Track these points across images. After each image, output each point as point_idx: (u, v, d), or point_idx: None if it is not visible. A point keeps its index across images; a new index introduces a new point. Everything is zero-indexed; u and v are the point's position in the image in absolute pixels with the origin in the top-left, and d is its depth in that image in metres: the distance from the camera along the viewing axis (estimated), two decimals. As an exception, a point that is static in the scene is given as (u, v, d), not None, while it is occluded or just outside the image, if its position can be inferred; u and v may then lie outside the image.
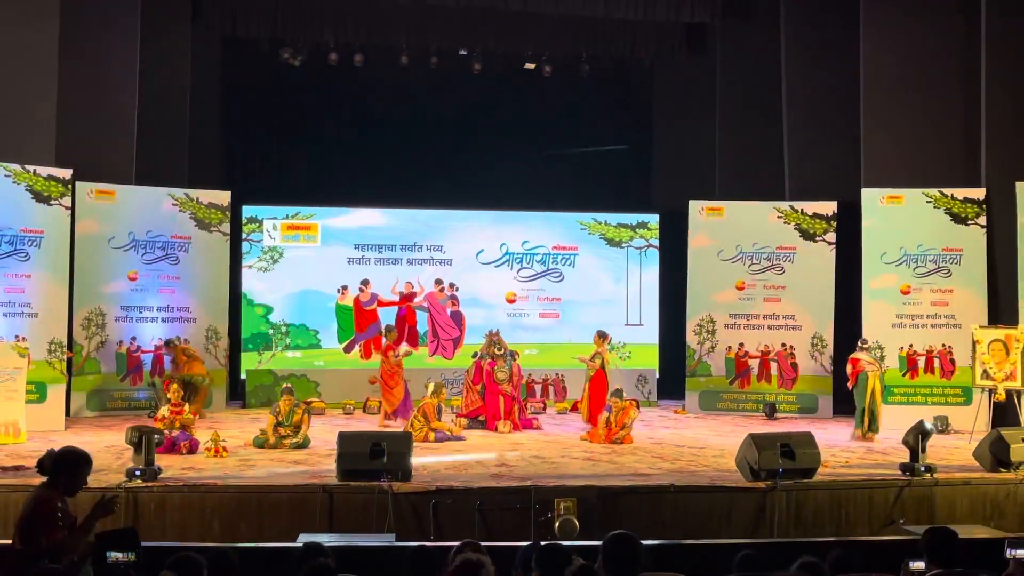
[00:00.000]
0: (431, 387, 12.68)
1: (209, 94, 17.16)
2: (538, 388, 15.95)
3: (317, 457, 10.63)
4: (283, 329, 16.31)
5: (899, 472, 9.78)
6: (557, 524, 8.63)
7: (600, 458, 10.91)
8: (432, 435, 12.07)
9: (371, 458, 8.98)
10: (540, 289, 16.99)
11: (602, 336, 14.23)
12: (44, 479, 5.81)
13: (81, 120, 14.10)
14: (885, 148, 14.55)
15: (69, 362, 13.36)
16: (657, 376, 16.89)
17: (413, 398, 13.48)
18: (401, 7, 16.41)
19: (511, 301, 16.88)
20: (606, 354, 14.04)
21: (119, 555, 5.52)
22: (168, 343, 14.15)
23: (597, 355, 13.92)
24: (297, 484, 9.00)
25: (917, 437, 9.78)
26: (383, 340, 14.38)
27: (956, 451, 11.58)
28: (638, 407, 15.53)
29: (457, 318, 16.56)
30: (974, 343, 12.84)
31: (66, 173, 13.18)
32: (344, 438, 9.25)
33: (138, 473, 8.80)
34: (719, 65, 17.22)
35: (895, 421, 13.27)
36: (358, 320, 16.45)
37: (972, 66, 14.01)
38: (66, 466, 5.77)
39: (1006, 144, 13.67)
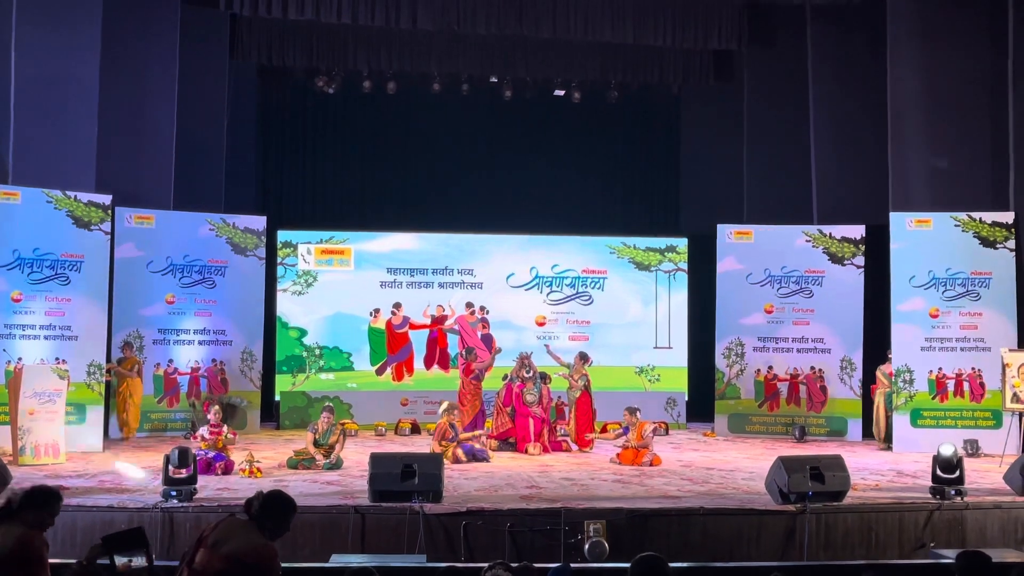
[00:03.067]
0: (444, 406, 12.82)
1: (245, 122, 17.52)
2: (567, 410, 16.01)
3: (350, 478, 10.79)
4: (316, 351, 16.55)
5: (929, 496, 9.79)
6: (587, 546, 8.72)
7: (630, 480, 10.99)
8: (460, 452, 12.21)
9: (403, 479, 9.12)
10: (570, 312, 17.12)
11: (583, 358, 14.35)
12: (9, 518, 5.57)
13: (121, 147, 14.46)
14: (913, 172, 14.59)
15: (107, 385, 13.64)
16: (686, 399, 16.96)
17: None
18: (433, 36, 16.67)
19: (541, 324, 17.03)
20: (588, 376, 14.13)
21: (127, 560, 5.27)
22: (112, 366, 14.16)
23: (581, 376, 14.01)
24: (330, 505, 9.14)
25: (947, 463, 9.79)
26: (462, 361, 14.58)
27: (987, 474, 11.57)
28: (667, 430, 15.75)
29: (487, 341, 16.69)
30: (1004, 366, 12.82)
31: (106, 199, 13.48)
32: (376, 459, 9.40)
33: (174, 493, 8.98)
34: (746, 90, 17.34)
35: (925, 444, 13.36)
36: (390, 343, 16.66)
37: (999, 89, 14.04)
38: (40, 501, 5.66)
39: (1035, 167, 13.70)
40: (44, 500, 5.70)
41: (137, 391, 14.16)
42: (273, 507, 5.52)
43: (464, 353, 14.74)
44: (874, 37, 15.10)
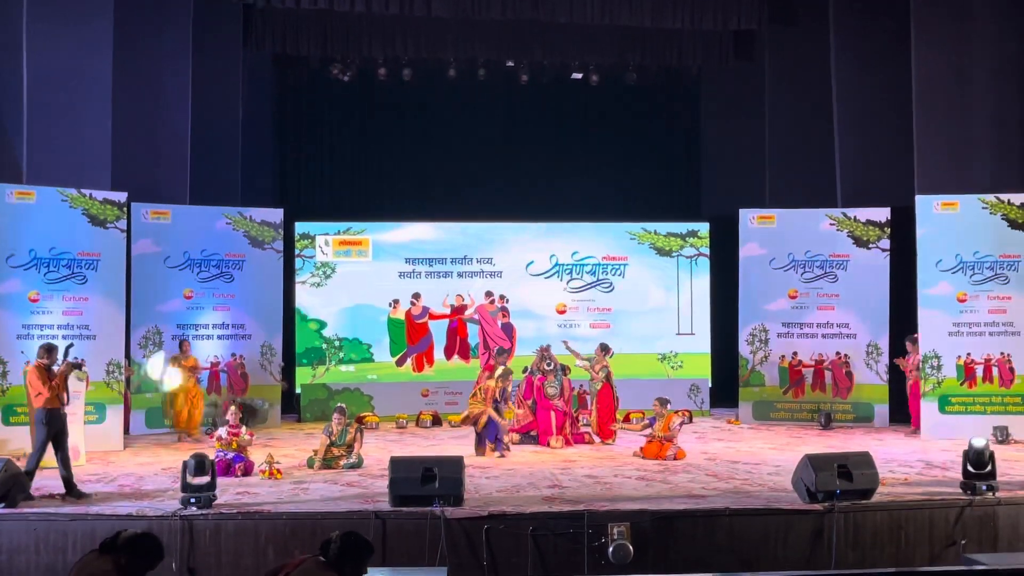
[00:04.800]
0: (499, 370, 12.75)
1: (260, 112, 17.40)
2: (589, 400, 15.87)
3: (370, 478, 10.69)
4: (336, 343, 16.47)
5: (960, 491, 9.60)
6: (611, 549, 8.59)
7: (654, 477, 10.84)
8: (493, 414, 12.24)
9: (423, 483, 9.00)
10: (591, 300, 16.97)
11: (604, 349, 14.17)
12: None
13: (136, 142, 14.37)
14: (939, 154, 14.32)
15: (127, 381, 13.60)
16: (710, 385, 16.80)
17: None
18: (448, 21, 16.45)
19: (561, 312, 16.89)
20: (609, 367, 13.95)
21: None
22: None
23: (602, 368, 13.84)
24: (350, 510, 9.05)
25: (977, 456, 9.59)
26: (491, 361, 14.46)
27: (1017, 464, 11.37)
28: (691, 418, 15.58)
29: (508, 330, 16.57)
30: (1034, 352, 12.60)
31: (121, 196, 13.38)
32: (396, 463, 9.28)
33: (193, 500, 8.90)
34: (767, 71, 17.06)
35: (955, 431, 13.18)
36: (410, 333, 16.57)
37: (1026, 69, 13.77)
38: (142, 552, 5.77)
39: (1063, 148, 13.42)
40: (146, 552, 5.72)
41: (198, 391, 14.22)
42: (351, 551, 5.74)
43: (496, 352, 14.60)
44: (898, 15, 14.77)
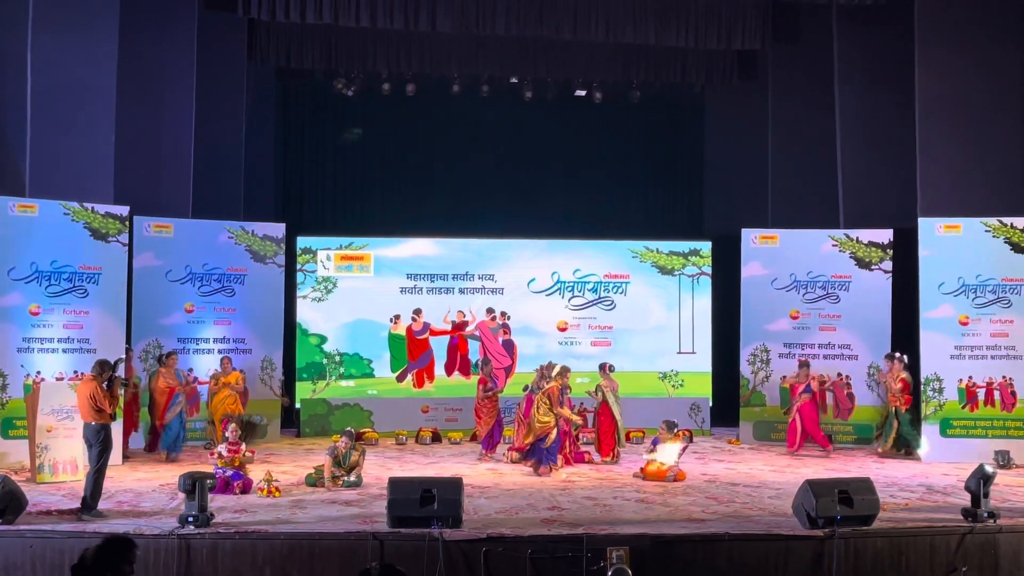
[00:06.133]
0: (557, 369, 12.78)
1: (263, 126, 17.43)
2: (590, 417, 15.83)
3: (369, 498, 10.64)
4: (337, 358, 16.45)
5: (961, 517, 9.56)
6: (609, 573, 8.54)
7: (653, 500, 10.79)
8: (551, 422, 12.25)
9: (422, 505, 8.96)
10: (592, 317, 16.94)
11: (602, 369, 14.08)
12: None
13: (138, 156, 14.38)
14: (941, 176, 14.30)
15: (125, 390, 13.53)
16: (711, 404, 16.76)
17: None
18: (452, 37, 16.47)
19: (563, 330, 16.87)
20: (606, 387, 13.78)
21: None
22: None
23: (599, 388, 13.80)
24: (348, 531, 9.01)
25: (979, 482, 9.55)
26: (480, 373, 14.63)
27: (1020, 489, 11.32)
28: (691, 437, 15.52)
29: (509, 347, 16.56)
30: (1036, 377, 12.57)
31: (123, 210, 13.37)
32: (395, 484, 9.24)
33: (191, 520, 8.86)
34: (771, 91, 17.08)
35: (955, 454, 13.15)
36: (411, 349, 16.55)
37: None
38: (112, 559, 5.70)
39: (1066, 172, 13.40)
40: (117, 553, 5.66)
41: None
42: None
43: (481, 364, 14.67)
44: (902, 37, 14.77)
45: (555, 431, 12.40)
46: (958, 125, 14.19)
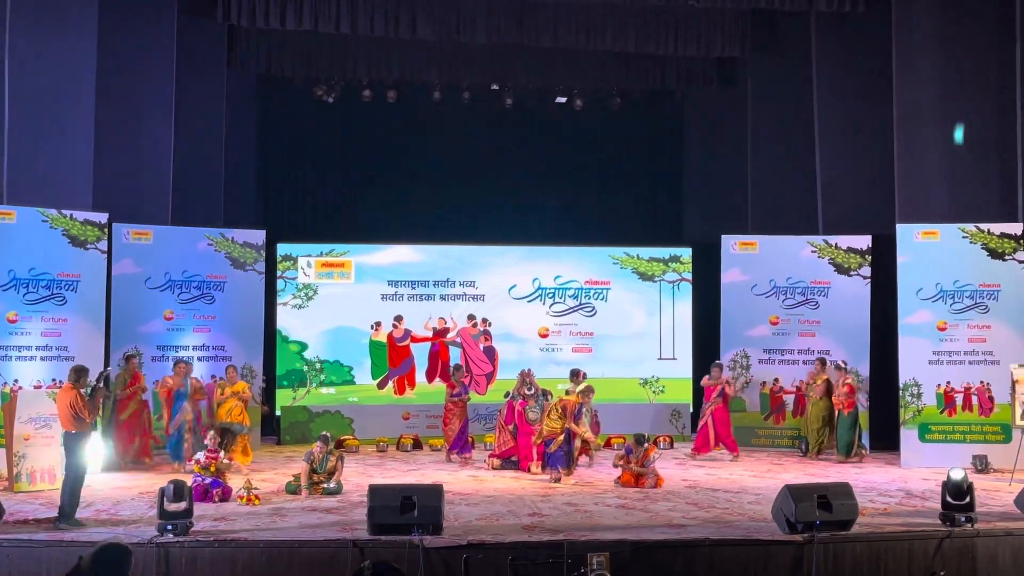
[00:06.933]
0: (581, 385, 12.84)
1: (244, 133, 17.36)
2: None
3: (349, 505, 10.61)
4: (317, 365, 16.39)
5: (939, 522, 9.61)
6: (590, 579, 8.55)
7: (634, 505, 10.81)
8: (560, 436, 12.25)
9: (402, 512, 8.93)
10: (573, 324, 16.95)
11: (574, 375, 14.04)
12: None
13: (118, 162, 14.33)
14: (920, 182, 14.43)
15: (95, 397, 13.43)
16: (691, 410, 16.77)
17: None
18: (433, 44, 16.49)
19: (544, 336, 16.86)
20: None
21: None
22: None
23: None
24: (328, 539, 8.98)
25: (957, 488, 9.60)
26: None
27: (996, 495, 11.39)
28: (672, 443, 15.57)
29: (490, 353, 16.57)
30: (1013, 383, 12.65)
31: (102, 217, 13.33)
32: (375, 492, 9.22)
33: (170, 528, 8.82)
34: (750, 97, 17.13)
35: (933, 459, 13.22)
36: (391, 356, 16.51)
37: (1007, 99, 13.85)
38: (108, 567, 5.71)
39: (1043, 178, 13.50)
40: (113, 563, 5.64)
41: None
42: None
43: (452, 369, 14.73)
44: (880, 45, 14.88)
45: (561, 437, 12.40)
46: (936, 131, 14.30)
